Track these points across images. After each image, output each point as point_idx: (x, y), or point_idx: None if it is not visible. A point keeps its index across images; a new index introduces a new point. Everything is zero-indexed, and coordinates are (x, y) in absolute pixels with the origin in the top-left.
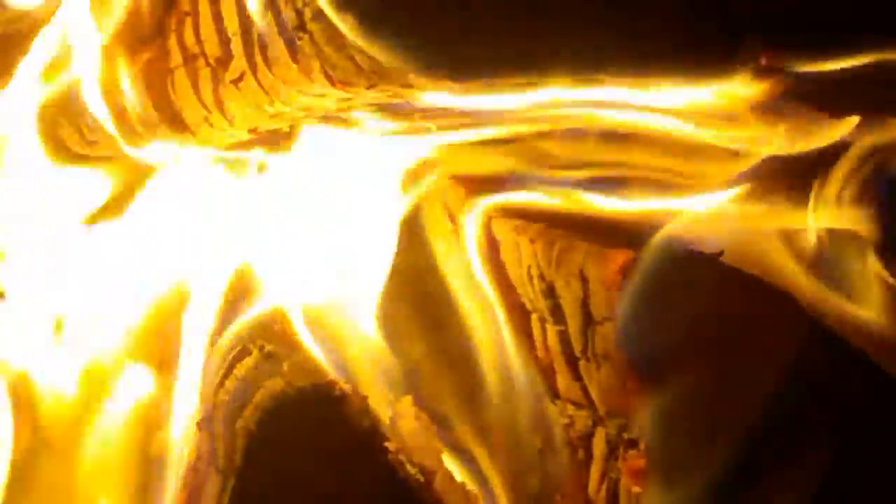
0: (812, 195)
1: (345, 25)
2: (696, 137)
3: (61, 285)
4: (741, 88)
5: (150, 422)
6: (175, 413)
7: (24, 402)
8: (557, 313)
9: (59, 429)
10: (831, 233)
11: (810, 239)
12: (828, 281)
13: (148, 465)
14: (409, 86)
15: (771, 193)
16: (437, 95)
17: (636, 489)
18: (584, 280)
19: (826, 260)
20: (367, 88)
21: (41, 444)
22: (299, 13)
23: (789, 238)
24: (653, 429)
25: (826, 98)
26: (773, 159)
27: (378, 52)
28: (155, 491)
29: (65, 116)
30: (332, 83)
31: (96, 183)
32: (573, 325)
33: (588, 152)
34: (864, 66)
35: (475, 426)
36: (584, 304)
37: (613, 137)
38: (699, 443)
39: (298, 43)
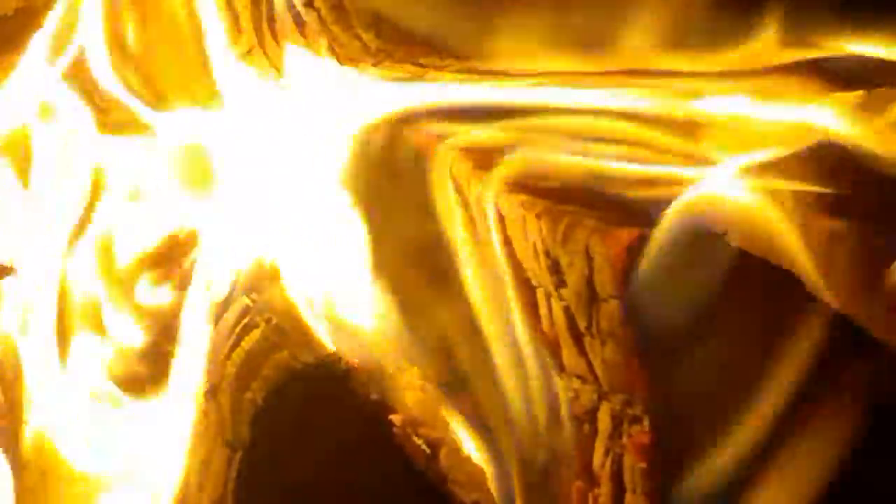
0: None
1: (352, 4)
2: (706, 112)
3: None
4: (764, 54)
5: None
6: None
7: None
8: (563, 289)
9: None
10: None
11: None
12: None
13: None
14: (417, 64)
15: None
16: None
17: (640, 465)
18: (589, 257)
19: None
20: (374, 66)
21: None
22: None
23: (799, 221)
24: (660, 407)
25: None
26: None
27: (385, 30)
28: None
29: (77, 84)
30: (339, 59)
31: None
32: (578, 301)
33: (596, 124)
34: None
35: (488, 396)
36: (590, 282)
37: (624, 111)
38: (707, 421)
39: (306, 19)
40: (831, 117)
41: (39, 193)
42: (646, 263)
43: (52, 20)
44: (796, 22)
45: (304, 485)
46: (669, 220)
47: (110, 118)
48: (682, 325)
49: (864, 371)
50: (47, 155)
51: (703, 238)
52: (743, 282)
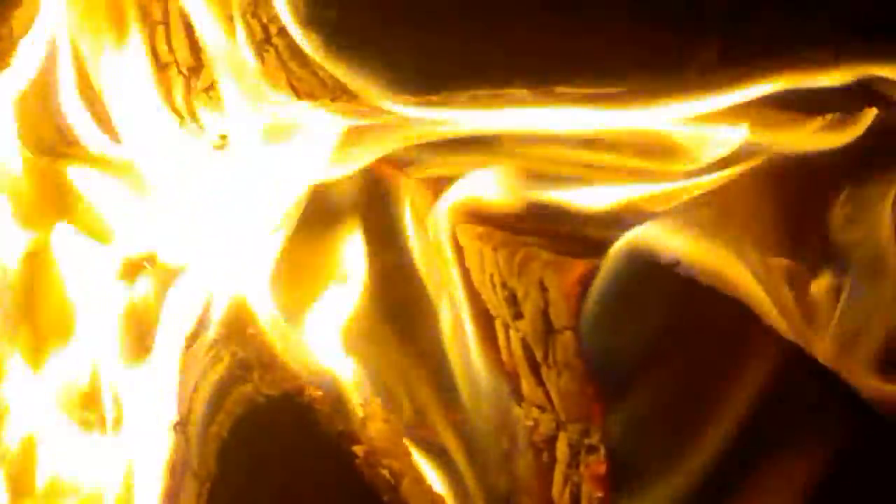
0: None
1: (308, 42)
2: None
3: None
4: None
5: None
6: (152, 415)
7: None
8: (519, 320)
9: None
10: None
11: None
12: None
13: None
14: (372, 100)
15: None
16: (400, 108)
17: (597, 494)
18: (543, 289)
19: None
20: (332, 101)
21: None
22: (265, 28)
23: (746, 252)
24: (616, 436)
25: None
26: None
27: (341, 67)
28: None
29: (45, 115)
30: (298, 94)
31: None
32: (534, 332)
33: (553, 152)
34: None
35: (449, 425)
36: (545, 313)
37: (576, 138)
38: (662, 450)
39: (265, 55)
40: (776, 142)
41: None
42: (593, 295)
43: (19, 52)
44: (735, 52)
45: None
46: (617, 251)
47: (75, 150)
48: (630, 355)
49: (817, 399)
50: None
51: (651, 269)
52: (694, 312)
